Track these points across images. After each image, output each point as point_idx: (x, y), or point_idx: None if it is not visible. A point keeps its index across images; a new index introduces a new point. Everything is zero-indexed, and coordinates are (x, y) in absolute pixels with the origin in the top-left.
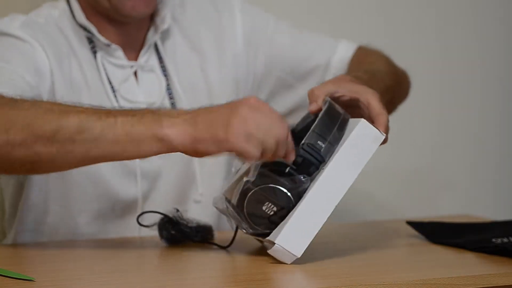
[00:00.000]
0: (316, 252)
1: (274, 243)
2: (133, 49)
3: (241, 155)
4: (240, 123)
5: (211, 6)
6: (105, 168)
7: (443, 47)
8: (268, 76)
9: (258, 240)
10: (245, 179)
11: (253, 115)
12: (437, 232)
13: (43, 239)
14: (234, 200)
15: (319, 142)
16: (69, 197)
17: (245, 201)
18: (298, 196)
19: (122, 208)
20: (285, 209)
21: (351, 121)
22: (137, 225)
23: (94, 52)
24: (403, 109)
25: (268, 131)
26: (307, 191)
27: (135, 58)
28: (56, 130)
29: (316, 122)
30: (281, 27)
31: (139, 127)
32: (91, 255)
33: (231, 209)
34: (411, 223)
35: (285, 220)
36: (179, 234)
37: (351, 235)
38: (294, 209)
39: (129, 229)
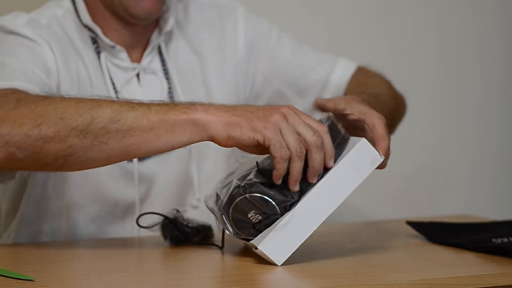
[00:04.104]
0: (316, 252)
1: (257, 248)
2: (136, 50)
3: (273, 149)
4: (280, 118)
5: (215, 13)
6: (103, 171)
7: (443, 47)
8: (267, 87)
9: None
10: (235, 181)
11: (294, 116)
12: (437, 232)
13: (42, 238)
14: (222, 202)
15: None
16: (68, 199)
17: (232, 206)
18: (285, 209)
19: (120, 210)
20: (270, 219)
21: (352, 139)
22: (135, 227)
23: (98, 53)
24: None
25: (306, 133)
26: (297, 202)
27: (138, 60)
28: (89, 121)
29: None
30: (283, 40)
31: (173, 112)
32: (91, 255)
33: (217, 209)
34: (411, 223)
35: (271, 227)
36: (182, 234)
37: (351, 235)
38: (282, 217)
39: (127, 231)
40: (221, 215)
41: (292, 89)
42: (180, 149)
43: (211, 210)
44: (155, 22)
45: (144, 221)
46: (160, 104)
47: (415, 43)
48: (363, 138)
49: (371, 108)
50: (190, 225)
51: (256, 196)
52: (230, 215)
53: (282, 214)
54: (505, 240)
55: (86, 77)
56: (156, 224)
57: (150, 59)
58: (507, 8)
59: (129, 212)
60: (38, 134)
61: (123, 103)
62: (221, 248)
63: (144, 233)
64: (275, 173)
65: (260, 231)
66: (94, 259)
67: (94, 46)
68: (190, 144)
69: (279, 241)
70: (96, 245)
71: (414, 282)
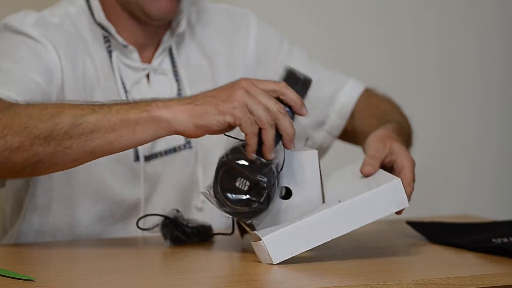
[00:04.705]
0: (316, 252)
1: (260, 239)
2: (148, 51)
3: (244, 126)
4: (244, 94)
5: (227, 19)
6: (108, 171)
7: (443, 47)
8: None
9: (242, 228)
10: (219, 156)
11: (254, 88)
12: (437, 232)
13: (45, 239)
14: (212, 181)
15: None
16: (72, 198)
17: (219, 176)
18: (267, 175)
19: (124, 210)
20: (259, 186)
21: (386, 174)
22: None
23: (109, 52)
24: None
25: (269, 102)
26: (314, 211)
27: (149, 60)
28: (52, 128)
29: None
30: (294, 52)
31: (134, 110)
32: (91, 255)
33: (211, 193)
34: (411, 223)
35: (282, 225)
36: (182, 234)
37: (352, 235)
38: (296, 220)
39: (131, 231)
40: (214, 195)
41: None
42: (186, 150)
43: (209, 199)
44: (168, 23)
45: (146, 222)
46: (122, 104)
47: (415, 44)
48: (399, 179)
49: (404, 147)
50: (190, 225)
51: (238, 163)
52: (219, 189)
53: (270, 179)
54: (505, 240)
55: (94, 77)
56: (157, 226)
57: (161, 60)
58: (507, 9)
59: (133, 212)
60: (4, 145)
61: (84, 107)
62: (230, 234)
63: (148, 233)
64: (248, 149)
65: (252, 202)
66: (94, 259)
67: (106, 45)
68: (156, 139)
69: (284, 241)
70: (96, 245)
71: (414, 282)
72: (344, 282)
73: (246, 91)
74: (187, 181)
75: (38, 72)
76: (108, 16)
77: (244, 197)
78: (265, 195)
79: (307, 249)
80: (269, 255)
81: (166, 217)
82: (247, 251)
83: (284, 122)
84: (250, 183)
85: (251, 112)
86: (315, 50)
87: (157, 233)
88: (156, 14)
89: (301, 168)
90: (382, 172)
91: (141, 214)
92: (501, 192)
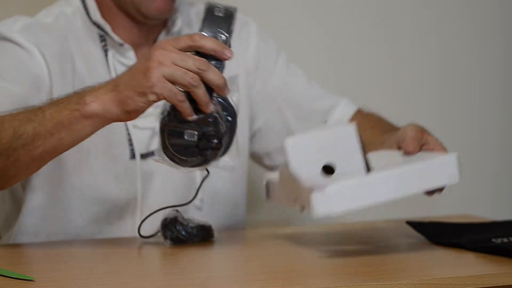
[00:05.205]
0: (316, 252)
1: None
2: (143, 49)
3: (169, 100)
4: (159, 67)
5: None
6: (104, 170)
7: (443, 48)
8: (267, 107)
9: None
10: (160, 117)
11: (168, 55)
12: (437, 232)
13: (41, 240)
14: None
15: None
16: (67, 200)
17: (165, 138)
18: (216, 120)
19: (120, 210)
20: (207, 132)
21: (429, 153)
22: (135, 227)
23: (105, 51)
24: (402, 109)
25: (187, 63)
26: (373, 171)
27: None
28: None
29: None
30: (292, 65)
31: (65, 112)
32: (91, 255)
33: (161, 156)
34: (411, 223)
35: (344, 178)
36: (182, 234)
37: (351, 235)
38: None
39: (128, 231)
40: (168, 157)
41: (295, 111)
42: None
43: (165, 163)
44: (163, 22)
45: (144, 223)
46: (55, 105)
47: (415, 44)
48: (457, 153)
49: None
50: (190, 225)
51: (180, 123)
52: (171, 149)
53: (211, 127)
54: (505, 240)
55: (87, 77)
56: (158, 232)
57: None
58: (507, 9)
59: (130, 211)
60: None
61: (22, 116)
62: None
63: (145, 232)
64: (184, 114)
65: (206, 150)
66: (94, 259)
67: (102, 44)
68: (97, 131)
69: (345, 192)
70: (96, 245)
71: (414, 282)
72: (344, 282)
73: (159, 62)
74: (183, 178)
75: (20, 81)
76: (103, 15)
77: (196, 148)
78: (215, 139)
79: (365, 205)
80: (313, 207)
81: (166, 217)
82: (247, 251)
83: (209, 77)
84: (198, 133)
85: (171, 81)
86: (316, 50)
87: (157, 233)
88: (152, 14)
89: (340, 143)
90: (423, 153)
91: (138, 213)
92: (501, 192)
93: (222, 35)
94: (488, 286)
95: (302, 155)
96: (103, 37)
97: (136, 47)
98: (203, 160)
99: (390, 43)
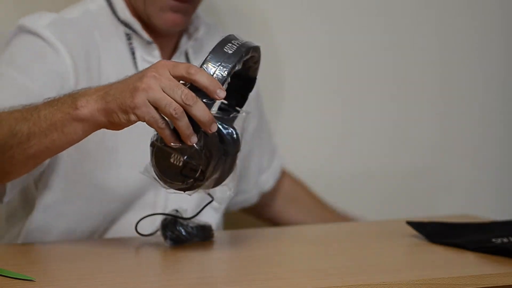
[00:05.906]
0: (316, 252)
1: None
2: (165, 52)
3: (149, 124)
4: (144, 92)
5: None
6: (130, 167)
7: (443, 47)
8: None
9: None
10: (151, 137)
11: (158, 80)
12: (437, 232)
13: (50, 238)
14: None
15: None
16: (87, 197)
17: (153, 158)
18: (198, 153)
19: (141, 208)
20: (189, 164)
21: None
22: (155, 224)
23: (132, 49)
24: (403, 109)
25: (175, 94)
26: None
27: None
28: None
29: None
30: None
31: (59, 115)
32: (91, 255)
33: (148, 171)
34: (411, 223)
35: None
36: (182, 234)
37: (352, 235)
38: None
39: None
40: (154, 175)
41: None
42: None
43: (151, 178)
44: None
45: (143, 222)
46: (50, 106)
47: (415, 44)
48: None
49: None
50: (190, 225)
51: (166, 148)
52: (157, 169)
53: (193, 159)
54: (505, 240)
55: (113, 73)
56: (157, 231)
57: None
58: (507, 9)
59: (149, 208)
60: None
61: (18, 114)
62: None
63: (144, 230)
64: (165, 140)
65: (189, 178)
66: (94, 259)
67: (128, 42)
68: (88, 135)
69: None
70: (97, 245)
71: (414, 282)
72: (344, 282)
73: (148, 86)
74: None
75: (41, 81)
76: (132, 14)
77: (180, 174)
78: (198, 172)
79: None
80: None
81: (166, 217)
82: (247, 251)
83: (194, 112)
84: (184, 160)
85: (155, 107)
86: (316, 50)
87: (157, 233)
88: (163, 27)
89: None
90: None
91: (159, 210)
92: (502, 192)
93: (222, 73)
94: (488, 286)
95: None
96: (129, 36)
97: (160, 45)
98: (186, 187)
99: (390, 42)
